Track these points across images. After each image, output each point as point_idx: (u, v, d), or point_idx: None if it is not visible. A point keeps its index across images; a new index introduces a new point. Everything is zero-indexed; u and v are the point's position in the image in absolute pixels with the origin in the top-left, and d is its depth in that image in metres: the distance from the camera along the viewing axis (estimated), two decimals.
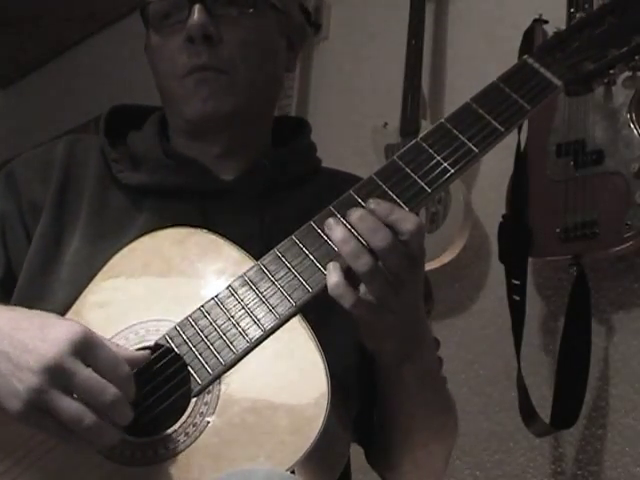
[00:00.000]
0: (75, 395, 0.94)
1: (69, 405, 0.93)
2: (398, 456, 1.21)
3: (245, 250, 1.09)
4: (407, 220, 1.00)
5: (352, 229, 1.00)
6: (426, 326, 1.14)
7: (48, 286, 1.18)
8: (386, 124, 2.45)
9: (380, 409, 1.19)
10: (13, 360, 0.95)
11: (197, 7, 1.19)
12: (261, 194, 1.24)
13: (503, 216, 2.11)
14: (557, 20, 2.05)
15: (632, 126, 1.96)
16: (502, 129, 1.06)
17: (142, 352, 1.03)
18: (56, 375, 0.93)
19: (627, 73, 1.13)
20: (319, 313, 1.06)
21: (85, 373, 0.94)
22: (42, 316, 1.02)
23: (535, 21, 2.12)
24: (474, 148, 1.05)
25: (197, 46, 1.19)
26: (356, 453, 1.25)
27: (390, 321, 1.03)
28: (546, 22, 2.11)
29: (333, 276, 0.99)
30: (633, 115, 1.96)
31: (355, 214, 1.00)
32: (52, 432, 0.96)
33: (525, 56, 1.12)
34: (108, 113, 1.32)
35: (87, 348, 0.96)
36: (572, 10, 2.03)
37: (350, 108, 2.73)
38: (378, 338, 1.07)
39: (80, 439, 0.95)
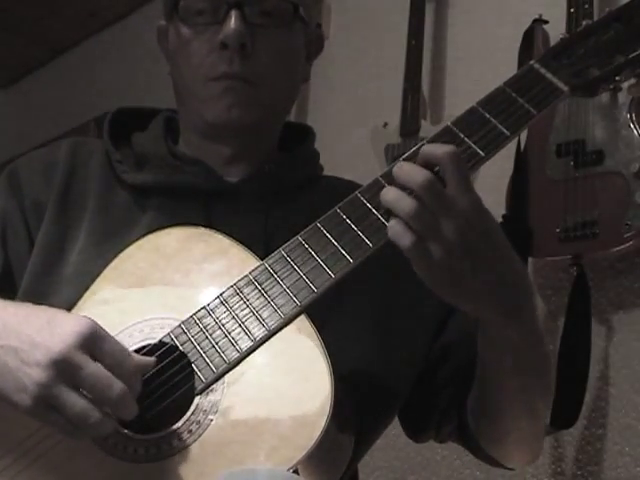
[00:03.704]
0: (82, 389, 0.95)
1: (75, 402, 0.94)
2: (504, 429, 1.17)
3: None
4: (436, 147, 0.99)
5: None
6: (526, 280, 1.08)
7: (53, 284, 1.18)
8: (386, 124, 2.45)
9: (481, 386, 1.15)
10: (21, 355, 0.95)
11: (234, 13, 1.18)
12: (265, 197, 1.25)
13: (503, 216, 2.11)
14: (557, 20, 2.06)
15: (632, 126, 1.96)
16: (508, 133, 1.06)
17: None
18: (63, 370, 0.93)
19: (632, 80, 1.13)
20: (325, 314, 1.07)
21: (92, 368, 0.94)
22: (49, 311, 1.01)
23: (535, 21, 2.13)
24: (480, 151, 1.05)
25: (230, 53, 1.19)
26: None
27: (470, 269, 0.98)
28: (546, 22, 2.12)
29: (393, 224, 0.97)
30: (633, 115, 1.96)
31: (394, 169, 0.99)
32: (58, 426, 0.96)
33: (532, 61, 1.12)
34: (112, 115, 1.32)
35: (95, 342, 0.96)
36: (572, 10, 2.03)
37: (350, 108, 2.73)
38: (470, 296, 1.01)
39: (84, 433, 0.96)
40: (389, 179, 1.04)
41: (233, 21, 1.18)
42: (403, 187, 0.99)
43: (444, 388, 1.23)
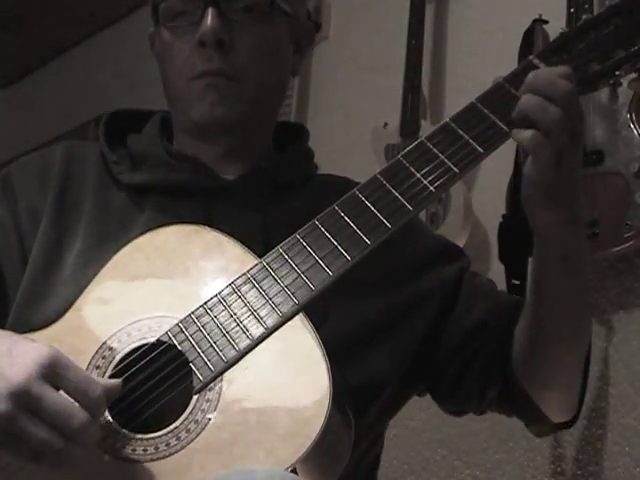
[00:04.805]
0: (44, 419, 0.93)
1: (37, 431, 0.92)
2: (551, 363, 1.22)
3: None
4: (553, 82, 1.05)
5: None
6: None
7: (51, 286, 1.18)
8: (386, 124, 2.45)
9: (533, 317, 1.19)
10: None
11: (211, 11, 1.19)
12: (262, 194, 1.25)
13: (503, 216, 2.11)
14: (557, 20, 2.06)
15: (632, 126, 1.96)
16: (507, 129, 1.06)
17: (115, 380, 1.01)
18: (24, 401, 0.92)
19: (633, 74, 1.13)
20: (324, 308, 1.07)
21: (53, 398, 0.93)
22: (11, 337, 1.00)
23: (535, 21, 2.13)
24: (479, 148, 1.05)
25: (209, 50, 1.20)
26: None
27: (566, 179, 1.10)
28: (546, 22, 2.11)
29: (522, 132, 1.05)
30: (633, 115, 1.96)
31: (530, 75, 1.06)
32: (22, 455, 0.94)
33: (531, 56, 1.12)
34: (108, 117, 1.32)
35: (56, 371, 0.94)
36: (572, 10, 2.04)
37: (350, 108, 2.73)
38: (555, 201, 1.11)
39: (47, 461, 0.94)
40: (387, 176, 1.05)
41: (209, 18, 1.19)
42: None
43: (481, 357, 1.24)
